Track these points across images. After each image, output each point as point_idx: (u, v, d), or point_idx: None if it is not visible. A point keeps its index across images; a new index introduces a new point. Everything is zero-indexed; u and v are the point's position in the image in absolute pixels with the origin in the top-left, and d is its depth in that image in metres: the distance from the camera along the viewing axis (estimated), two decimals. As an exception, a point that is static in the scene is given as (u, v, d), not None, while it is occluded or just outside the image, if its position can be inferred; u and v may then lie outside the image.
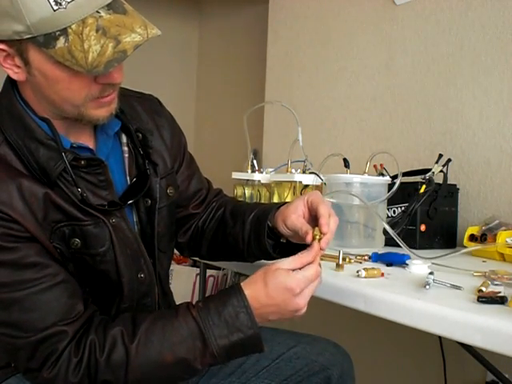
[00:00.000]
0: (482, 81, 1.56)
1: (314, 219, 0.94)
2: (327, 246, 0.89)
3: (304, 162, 1.58)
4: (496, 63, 1.53)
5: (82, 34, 0.77)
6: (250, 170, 1.72)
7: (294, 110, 1.64)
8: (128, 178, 0.99)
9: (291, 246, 1.00)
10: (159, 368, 0.83)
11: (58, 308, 0.83)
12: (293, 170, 1.59)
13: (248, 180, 1.72)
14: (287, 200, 1.55)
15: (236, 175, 1.74)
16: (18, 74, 0.84)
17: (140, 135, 1.00)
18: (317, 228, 0.91)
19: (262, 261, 1.07)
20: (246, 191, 1.73)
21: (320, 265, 0.87)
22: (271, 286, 0.83)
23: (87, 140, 0.95)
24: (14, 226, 0.82)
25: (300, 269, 0.85)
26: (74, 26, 0.77)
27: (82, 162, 0.89)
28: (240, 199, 1.73)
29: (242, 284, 0.85)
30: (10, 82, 0.90)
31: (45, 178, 0.86)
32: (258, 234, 1.01)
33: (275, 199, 1.62)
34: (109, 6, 0.80)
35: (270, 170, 1.74)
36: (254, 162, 1.74)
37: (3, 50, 0.82)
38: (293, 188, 1.55)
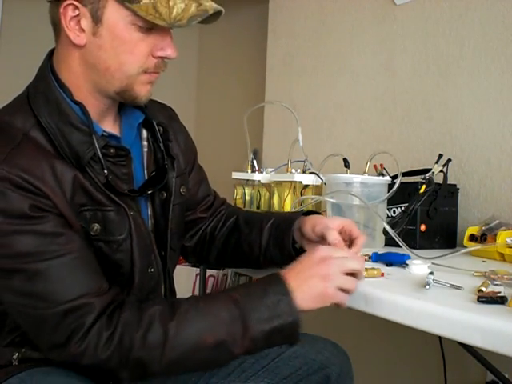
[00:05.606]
0: (482, 81, 1.56)
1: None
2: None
3: (304, 162, 1.58)
4: (496, 63, 1.53)
5: None
6: (249, 170, 1.72)
7: (294, 110, 1.64)
8: (146, 172, 1.02)
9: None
10: (197, 350, 0.81)
11: (83, 280, 0.82)
12: (293, 170, 1.59)
13: (248, 180, 1.72)
14: (287, 200, 1.56)
15: (236, 175, 1.74)
16: (79, 38, 0.87)
17: (161, 129, 1.03)
18: None
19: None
20: (246, 191, 1.73)
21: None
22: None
23: (114, 129, 0.98)
24: (43, 201, 0.82)
25: None
26: None
27: (112, 151, 0.91)
28: (240, 199, 1.73)
29: (283, 272, 0.88)
30: (49, 66, 0.92)
31: (75, 161, 0.87)
32: (282, 239, 1.04)
33: (275, 199, 1.62)
34: None
35: (270, 170, 1.74)
36: (254, 162, 1.74)
37: (76, 8, 0.85)
38: (293, 188, 1.55)
